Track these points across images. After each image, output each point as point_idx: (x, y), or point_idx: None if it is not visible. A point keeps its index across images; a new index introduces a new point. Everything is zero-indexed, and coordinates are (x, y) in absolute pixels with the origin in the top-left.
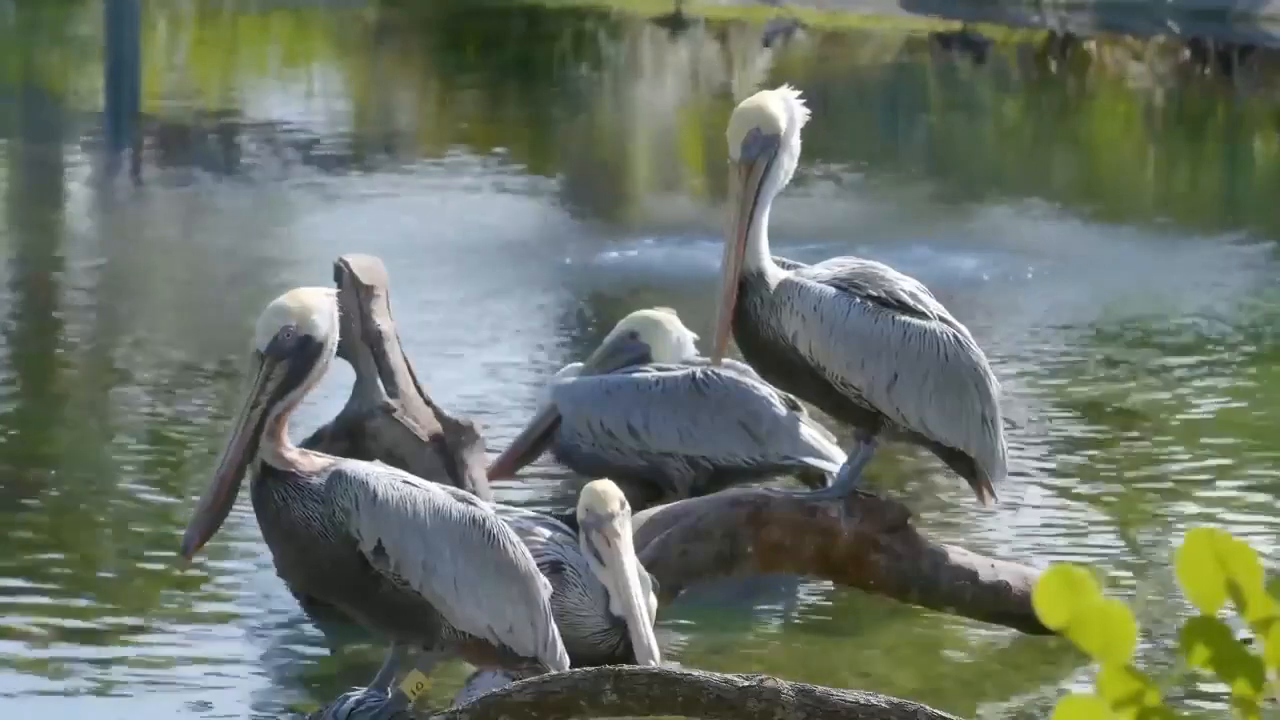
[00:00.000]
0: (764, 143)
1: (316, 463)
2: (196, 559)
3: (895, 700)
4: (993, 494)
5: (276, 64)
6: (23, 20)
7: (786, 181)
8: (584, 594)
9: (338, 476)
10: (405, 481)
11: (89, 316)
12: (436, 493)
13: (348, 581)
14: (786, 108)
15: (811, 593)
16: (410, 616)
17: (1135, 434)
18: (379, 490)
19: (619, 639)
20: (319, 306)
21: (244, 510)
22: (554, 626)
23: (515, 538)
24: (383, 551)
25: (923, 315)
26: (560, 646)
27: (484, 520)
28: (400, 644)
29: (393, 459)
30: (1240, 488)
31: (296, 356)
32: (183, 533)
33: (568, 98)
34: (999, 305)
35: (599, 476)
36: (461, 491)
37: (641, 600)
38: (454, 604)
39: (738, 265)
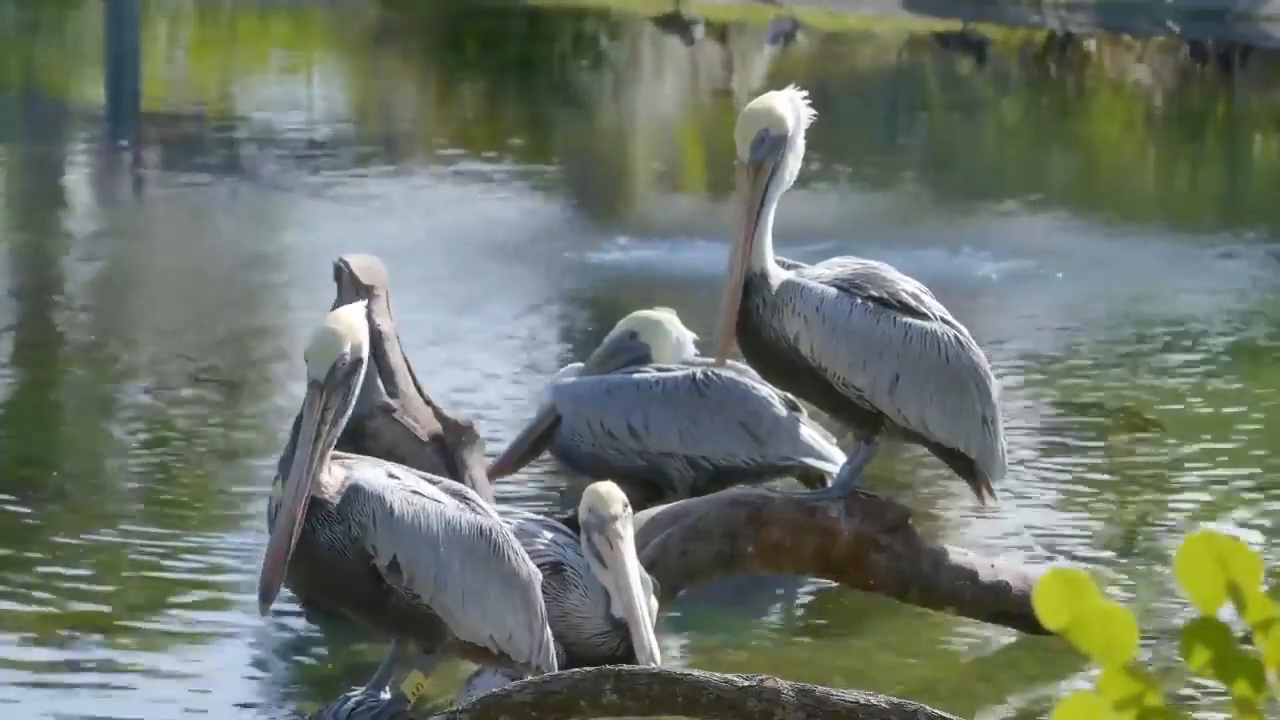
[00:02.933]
0: (772, 144)
1: (336, 475)
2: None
3: (895, 700)
4: (992, 494)
5: (276, 63)
6: (23, 20)
7: (791, 182)
8: (585, 595)
9: (354, 491)
10: (415, 492)
11: (89, 316)
12: (446, 502)
13: (360, 594)
14: (793, 108)
15: (811, 593)
16: (416, 626)
17: (1136, 434)
18: (395, 506)
19: (620, 640)
20: (361, 325)
21: (246, 509)
22: (549, 631)
23: (517, 543)
24: (397, 566)
25: (924, 316)
26: (553, 651)
27: (490, 530)
28: (400, 644)
29: (393, 459)
30: (1240, 488)
31: (350, 381)
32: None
33: (567, 98)
34: (1000, 306)
35: (599, 477)
36: (462, 488)
37: (643, 602)
38: (460, 616)
39: (744, 266)
